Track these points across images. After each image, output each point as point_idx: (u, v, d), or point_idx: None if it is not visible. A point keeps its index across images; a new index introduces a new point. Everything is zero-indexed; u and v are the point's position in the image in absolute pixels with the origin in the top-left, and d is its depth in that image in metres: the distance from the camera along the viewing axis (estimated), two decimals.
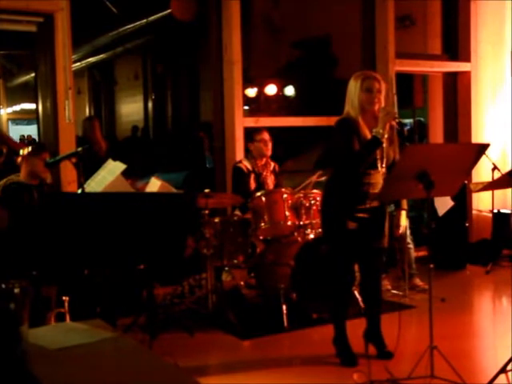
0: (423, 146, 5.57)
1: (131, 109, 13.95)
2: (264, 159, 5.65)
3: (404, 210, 4.35)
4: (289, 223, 5.12)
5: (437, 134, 8.04)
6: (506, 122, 7.53)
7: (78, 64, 12.26)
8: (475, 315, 5.65)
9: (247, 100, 7.55)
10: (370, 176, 3.99)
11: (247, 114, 6.81)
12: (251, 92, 7.99)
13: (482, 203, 7.41)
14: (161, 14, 8.87)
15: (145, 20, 9.45)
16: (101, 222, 3.41)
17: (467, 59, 7.50)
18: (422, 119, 9.35)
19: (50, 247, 3.63)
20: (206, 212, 5.14)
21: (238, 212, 5.54)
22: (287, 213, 5.10)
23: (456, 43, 7.62)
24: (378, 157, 3.96)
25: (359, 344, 4.23)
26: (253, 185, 5.56)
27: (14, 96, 15.97)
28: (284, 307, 4.86)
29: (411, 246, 5.98)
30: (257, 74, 7.87)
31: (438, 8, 7.73)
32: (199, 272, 5.67)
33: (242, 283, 5.52)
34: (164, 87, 12.87)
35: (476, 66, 7.52)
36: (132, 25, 9.82)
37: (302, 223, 5.14)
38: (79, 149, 4.24)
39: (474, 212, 7.48)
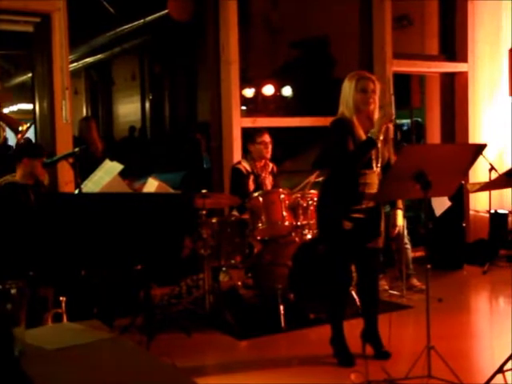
0: (420, 147, 5.58)
1: (128, 109, 13.94)
2: (263, 161, 5.65)
3: (400, 209, 4.35)
4: (286, 223, 5.12)
5: (434, 135, 8.05)
6: (503, 122, 7.54)
7: (75, 64, 12.25)
8: (472, 315, 5.65)
9: (245, 100, 7.56)
10: (366, 176, 3.99)
11: (245, 114, 6.81)
12: (249, 92, 8.00)
13: (479, 203, 7.42)
14: (158, 15, 8.88)
15: (142, 20, 9.45)
16: (98, 223, 3.40)
17: (464, 59, 7.51)
18: (419, 119, 9.36)
19: (46, 248, 3.63)
20: (204, 212, 5.13)
21: (235, 212, 5.54)
22: (284, 213, 5.10)
23: (453, 43, 7.63)
24: (373, 157, 3.97)
25: (356, 344, 4.23)
26: (251, 186, 5.55)
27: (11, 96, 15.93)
28: (281, 307, 4.86)
29: (408, 246, 5.98)
30: (254, 74, 7.88)
31: (435, 8, 7.74)
32: (196, 272, 5.66)
33: (239, 283, 5.52)
34: (161, 87, 12.87)
35: (473, 66, 7.53)
36: (129, 25, 9.82)
37: (299, 223, 5.15)
38: (76, 149, 4.24)
39: (471, 212, 7.49)
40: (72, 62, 9.30)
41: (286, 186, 5.64)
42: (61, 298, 3.75)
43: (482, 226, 7.26)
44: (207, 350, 4.58)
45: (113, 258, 3.60)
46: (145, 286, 4.95)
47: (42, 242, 3.66)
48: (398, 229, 4.42)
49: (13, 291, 2.00)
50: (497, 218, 7.10)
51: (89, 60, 12.84)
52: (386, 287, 5.84)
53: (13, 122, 4.93)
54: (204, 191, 5.08)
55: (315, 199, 5.03)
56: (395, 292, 5.75)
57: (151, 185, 4.88)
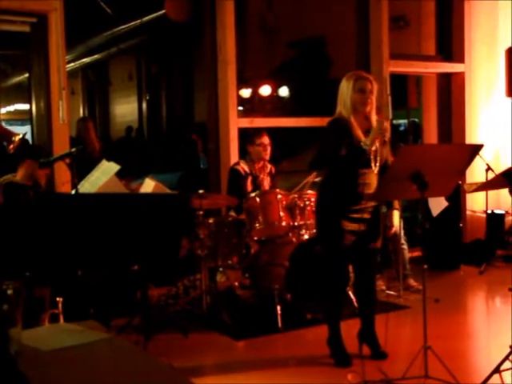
0: (417, 147, 5.59)
1: (125, 109, 13.92)
2: (262, 162, 5.64)
3: (396, 209, 4.36)
4: (283, 224, 5.12)
5: (431, 135, 8.05)
6: (500, 122, 7.55)
7: (72, 64, 12.21)
8: (469, 315, 5.66)
9: (242, 100, 7.56)
10: (364, 176, 4.00)
11: (241, 114, 6.81)
12: (246, 92, 8.00)
13: (476, 204, 7.43)
14: (155, 15, 8.85)
15: (139, 20, 9.42)
16: (95, 223, 3.40)
17: (461, 60, 7.52)
18: (416, 120, 9.36)
19: (43, 248, 3.62)
20: (201, 213, 5.13)
21: (232, 213, 5.54)
22: (282, 213, 5.10)
23: (450, 44, 7.63)
24: (372, 156, 3.97)
25: (353, 344, 4.23)
26: (249, 187, 5.54)
27: (7, 96, 15.91)
28: (278, 308, 4.86)
29: (405, 246, 5.99)
30: (251, 74, 7.88)
31: (432, 9, 7.75)
32: (193, 273, 5.66)
33: (236, 284, 5.51)
34: (158, 88, 12.86)
35: (470, 66, 7.54)
36: (126, 25, 9.79)
37: (296, 224, 5.15)
38: (73, 149, 4.23)
39: (467, 212, 7.50)
40: (69, 62, 9.27)
41: (283, 187, 5.64)
42: (57, 299, 3.74)
43: (478, 227, 7.26)
44: (204, 350, 4.57)
45: (110, 258, 3.59)
46: (142, 286, 4.94)
47: (39, 242, 3.65)
48: (394, 229, 4.43)
49: (9, 292, 2.00)
50: (493, 219, 7.11)
51: (86, 60, 12.81)
52: (383, 287, 5.84)
53: (7, 133, 4.93)
54: (201, 192, 5.08)
55: (312, 199, 5.03)
56: (392, 292, 5.75)
57: (148, 185, 4.88)
